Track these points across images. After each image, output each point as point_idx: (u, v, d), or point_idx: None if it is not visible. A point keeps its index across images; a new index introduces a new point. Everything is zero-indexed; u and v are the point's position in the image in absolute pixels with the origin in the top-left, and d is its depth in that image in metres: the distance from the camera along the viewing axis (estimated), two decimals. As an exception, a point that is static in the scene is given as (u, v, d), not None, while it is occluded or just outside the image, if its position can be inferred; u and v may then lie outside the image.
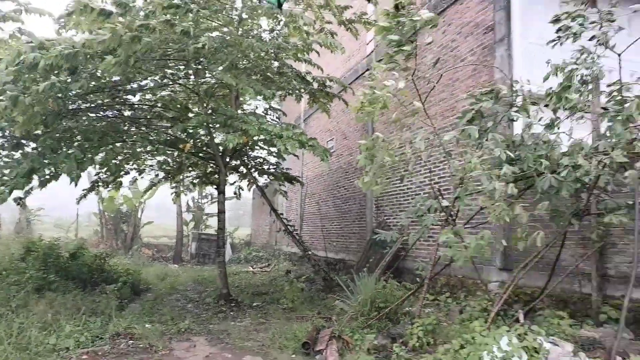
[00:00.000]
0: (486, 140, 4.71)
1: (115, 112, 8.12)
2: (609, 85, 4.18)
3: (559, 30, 4.25)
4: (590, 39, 4.22)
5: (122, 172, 8.74)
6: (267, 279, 11.92)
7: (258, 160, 10.06)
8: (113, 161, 7.95)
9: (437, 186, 5.78)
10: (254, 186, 10.46)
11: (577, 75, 4.21)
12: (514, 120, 4.92)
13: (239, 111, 8.28)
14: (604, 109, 4.33)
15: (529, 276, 5.05)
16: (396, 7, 4.74)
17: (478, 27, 7.06)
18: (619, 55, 4.19)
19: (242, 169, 9.89)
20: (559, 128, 4.44)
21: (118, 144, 7.80)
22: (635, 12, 3.98)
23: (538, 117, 4.96)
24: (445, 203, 4.91)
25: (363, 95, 4.60)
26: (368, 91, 4.55)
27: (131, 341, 5.56)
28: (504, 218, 3.87)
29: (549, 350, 3.55)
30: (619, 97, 4.03)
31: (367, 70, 10.80)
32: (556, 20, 4.22)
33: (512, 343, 3.56)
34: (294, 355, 5.22)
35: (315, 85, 8.63)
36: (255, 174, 10.07)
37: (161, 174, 10.68)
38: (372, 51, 10.56)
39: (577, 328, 4.46)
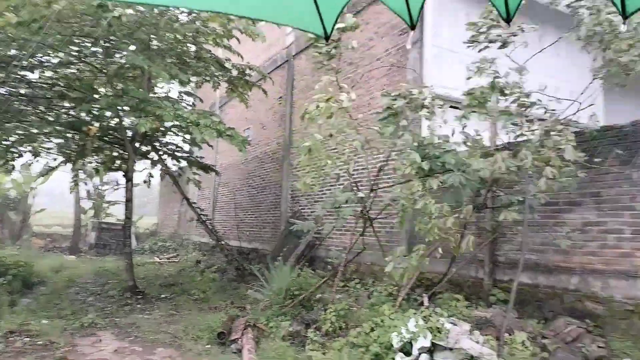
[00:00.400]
0: (399, 138, 5.05)
1: (10, 89, 7.31)
2: (511, 93, 4.66)
3: (473, 35, 4.64)
4: (500, 47, 4.66)
5: (16, 155, 7.93)
6: (175, 270, 11.54)
7: (170, 147, 9.67)
8: (4, 143, 7.18)
9: (353, 179, 6.03)
10: (166, 174, 10.06)
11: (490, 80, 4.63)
12: (429, 120, 5.29)
13: (152, 95, 7.89)
14: (503, 111, 4.85)
15: (431, 263, 5.51)
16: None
17: (394, 29, 7.44)
18: (517, 60, 4.71)
19: (153, 155, 9.45)
20: (464, 128, 4.86)
21: (10, 125, 7.06)
22: (560, 38, 4.50)
23: (444, 118, 5.41)
24: (361, 195, 5.17)
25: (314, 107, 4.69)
26: (322, 105, 4.66)
27: (27, 338, 5.13)
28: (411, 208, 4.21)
29: (449, 329, 3.94)
30: (520, 101, 4.52)
31: (287, 61, 10.87)
32: (473, 24, 4.60)
33: (419, 324, 3.89)
34: (208, 346, 5.18)
35: (235, 73, 8.50)
36: (168, 161, 9.68)
37: (60, 158, 9.83)
38: (292, 43, 10.62)
39: (472, 309, 4.97)
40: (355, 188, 5.32)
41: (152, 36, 6.65)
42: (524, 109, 4.57)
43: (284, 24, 2.94)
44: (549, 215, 5.16)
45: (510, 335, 4.25)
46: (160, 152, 9.36)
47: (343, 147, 5.27)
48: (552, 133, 4.08)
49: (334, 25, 1.80)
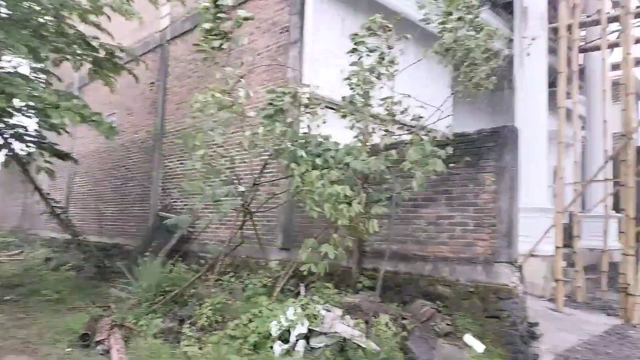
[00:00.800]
0: (284, 135, 5.21)
1: None
2: (382, 99, 5.10)
3: (356, 43, 4.96)
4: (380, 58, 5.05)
5: None
6: (20, 269, 10.19)
7: (17, 130, 8.47)
8: None
9: (235, 173, 6.01)
10: (12, 161, 8.80)
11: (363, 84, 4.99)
12: (310, 119, 5.52)
13: (-2, 69, 6.84)
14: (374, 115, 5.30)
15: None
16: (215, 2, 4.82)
17: (275, 26, 7.57)
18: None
19: (-4, 138, 8.20)
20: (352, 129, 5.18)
21: None
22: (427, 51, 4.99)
23: (322, 118, 5.72)
24: (242, 189, 5.20)
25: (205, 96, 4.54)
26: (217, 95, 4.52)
27: None
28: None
29: (324, 315, 4.21)
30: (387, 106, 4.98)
31: (160, 45, 10.30)
32: (355, 35, 4.92)
33: (298, 312, 4.09)
34: (70, 349, 4.74)
35: (103, 53, 7.78)
36: (15, 146, 8.48)
37: None
38: (167, 27, 10.09)
39: (342, 296, 5.35)
40: (237, 182, 5.33)
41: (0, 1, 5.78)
42: (393, 115, 5.06)
43: None
44: (409, 209, 5.78)
45: (375, 317, 4.70)
46: (6, 135, 8.17)
47: (229, 141, 5.25)
48: (419, 138, 4.59)
49: None
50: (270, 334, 4.09)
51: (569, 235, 9.19)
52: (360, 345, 3.99)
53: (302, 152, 4.77)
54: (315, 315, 4.15)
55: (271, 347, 3.98)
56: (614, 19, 10.95)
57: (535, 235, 8.26)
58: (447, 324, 5.03)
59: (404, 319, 4.97)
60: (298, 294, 4.99)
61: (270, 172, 6.52)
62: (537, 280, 8.17)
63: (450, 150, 4.63)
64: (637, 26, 11.37)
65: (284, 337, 4.03)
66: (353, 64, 5.10)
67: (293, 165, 4.86)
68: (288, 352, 3.86)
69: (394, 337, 4.49)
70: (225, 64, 5.44)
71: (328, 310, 4.39)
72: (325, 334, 4.01)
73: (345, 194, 4.31)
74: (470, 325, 4.98)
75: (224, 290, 6.31)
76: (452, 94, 5.08)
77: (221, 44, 5.34)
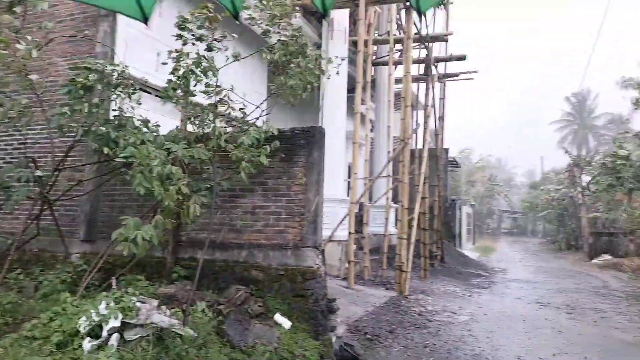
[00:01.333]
0: (90, 115, 4.80)
1: None
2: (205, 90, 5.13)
3: (182, 29, 4.83)
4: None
5: None
6: None
7: None
8: None
9: (29, 154, 5.24)
10: None
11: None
12: (121, 100, 5.19)
13: None
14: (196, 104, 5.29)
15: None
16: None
17: (82, -6, 6.80)
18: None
19: None
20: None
21: None
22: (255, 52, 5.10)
23: (137, 100, 5.46)
24: (39, 173, 4.61)
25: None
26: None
27: None
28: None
29: (140, 307, 4.10)
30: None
31: None
32: (184, 21, 4.79)
33: (110, 306, 3.89)
34: None
35: None
36: None
37: None
38: None
39: (156, 287, 5.24)
40: (32, 165, 4.69)
41: None
42: (216, 106, 5.15)
43: None
44: (227, 199, 5.98)
45: (192, 306, 4.76)
46: None
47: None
48: (243, 131, 4.80)
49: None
50: (79, 331, 3.79)
51: (359, 223, 10.69)
52: (178, 333, 4.03)
53: (114, 134, 4.50)
54: (130, 307, 4.00)
55: (80, 345, 3.70)
56: (399, 41, 13.02)
57: (333, 222, 9.36)
58: (259, 306, 5.41)
59: (220, 304, 5.16)
60: (108, 287, 4.71)
61: (73, 156, 5.89)
62: (334, 262, 9.29)
63: (277, 144, 4.97)
64: (416, 49, 13.71)
65: (94, 333, 3.79)
66: (178, 51, 5.00)
67: (106, 149, 4.55)
68: (100, 348, 3.65)
69: (210, 323, 4.64)
70: (17, 30, 4.72)
71: (143, 302, 4.27)
72: (141, 325, 3.92)
73: (178, 177, 4.24)
74: (279, 305, 5.46)
75: (11, 289, 5.48)
76: (271, 94, 5.44)
77: (12, 3, 4.60)
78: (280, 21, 4.93)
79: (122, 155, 4.06)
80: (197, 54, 4.82)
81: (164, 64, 5.19)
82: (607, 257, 19.59)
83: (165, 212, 4.37)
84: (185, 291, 5.13)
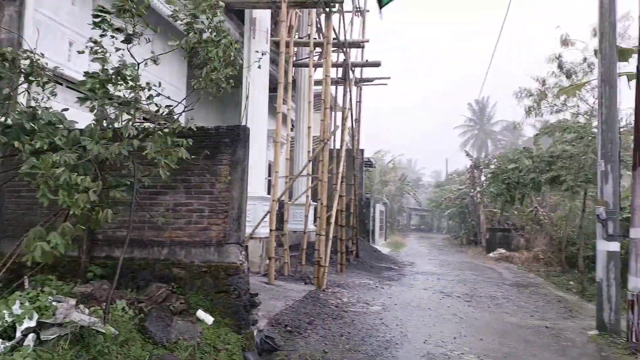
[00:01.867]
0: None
1: None
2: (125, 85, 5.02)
3: (101, 21, 4.69)
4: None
5: None
6: None
7: None
8: None
9: None
10: None
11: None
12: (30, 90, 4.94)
13: None
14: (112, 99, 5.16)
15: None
16: None
17: (-15, -26, 6.28)
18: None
19: None
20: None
21: None
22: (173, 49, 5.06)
23: (49, 90, 5.21)
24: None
25: None
26: None
27: None
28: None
29: (57, 306, 3.98)
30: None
31: None
32: (101, 10, 4.66)
33: (25, 306, 3.74)
34: None
35: None
36: None
37: None
38: None
39: (72, 287, 5.06)
40: None
41: None
42: (137, 100, 5.08)
43: None
44: (147, 196, 5.89)
45: (112, 304, 4.69)
46: None
47: None
48: (164, 127, 4.80)
49: None
50: (-12, 334, 3.61)
51: (279, 220, 10.91)
52: (99, 331, 3.97)
53: (28, 126, 4.31)
54: (46, 307, 3.87)
55: (-10, 348, 3.52)
56: (319, 44, 13.44)
57: (254, 220, 9.50)
58: (181, 303, 5.43)
59: (140, 302, 5.11)
60: (19, 287, 4.47)
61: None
62: (255, 259, 9.42)
63: (191, 141, 5.01)
64: (334, 52, 14.22)
65: (7, 334, 3.63)
66: (96, 41, 4.86)
67: (17, 143, 4.32)
68: (15, 349, 3.51)
69: (131, 320, 4.61)
70: None
71: (60, 301, 4.15)
72: (59, 325, 3.81)
73: (85, 186, 4.13)
74: (202, 302, 5.53)
75: None
76: (193, 90, 5.46)
77: None
78: (205, 14, 5.00)
79: (23, 169, 3.93)
80: (118, 49, 4.73)
81: (81, 52, 5.01)
82: (501, 250, 21.73)
83: (78, 217, 4.27)
84: (103, 290, 5.02)
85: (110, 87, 4.76)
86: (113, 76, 4.79)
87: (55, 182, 3.95)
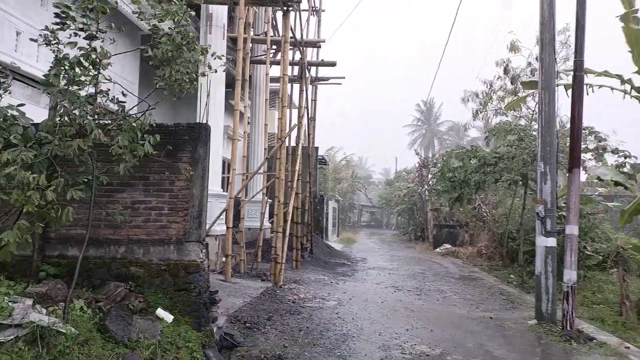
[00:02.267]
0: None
1: None
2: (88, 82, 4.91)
3: (64, 17, 4.57)
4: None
5: None
6: None
7: None
8: None
9: None
10: None
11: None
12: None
13: None
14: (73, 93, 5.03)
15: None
16: None
17: None
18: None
19: None
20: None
21: None
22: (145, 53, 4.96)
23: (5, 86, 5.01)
24: None
25: None
26: None
27: None
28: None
29: (14, 307, 3.88)
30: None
31: None
32: (66, 7, 4.53)
33: (-20, 307, 3.62)
34: None
35: None
36: None
37: None
38: None
39: (25, 286, 4.89)
40: None
41: None
42: (94, 97, 4.98)
43: None
44: (104, 194, 5.77)
45: (71, 303, 4.59)
46: None
47: None
48: (128, 124, 4.74)
49: None
50: (-61, 337, 3.47)
51: (236, 217, 10.91)
52: (60, 331, 3.91)
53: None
54: (2, 307, 3.76)
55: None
56: (276, 42, 13.49)
57: (210, 217, 9.45)
58: (140, 302, 5.38)
59: (98, 301, 5.03)
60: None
61: None
62: (211, 257, 9.39)
63: (159, 137, 4.99)
64: (291, 50, 14.30)
65: (-40, 338, 3.50)
66: (52, 31, 4.71)
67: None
68: (-31, 352, 3.40)
69: (91, 320, 4.54)
70: None
71: (16, 302, 4.03)
72: (18, 325, 3.71)
73: (38, 184, 4.04)
74: (161, 300, 5.50)
75: None
76: (155, 88, 5.41)
77: None
78: (174, 17, 4.98)
79: None
80: (81, 48, 4.63)
81: (33, 40, 4.84)
82: (447, 246, 22.71)
83: (33, 215, 4.16)
84: (59, 289, 4.89)
85: (71, 74, 4.62)
86: (75, 64, 4.68)
87: (9, 181, 3.85)
